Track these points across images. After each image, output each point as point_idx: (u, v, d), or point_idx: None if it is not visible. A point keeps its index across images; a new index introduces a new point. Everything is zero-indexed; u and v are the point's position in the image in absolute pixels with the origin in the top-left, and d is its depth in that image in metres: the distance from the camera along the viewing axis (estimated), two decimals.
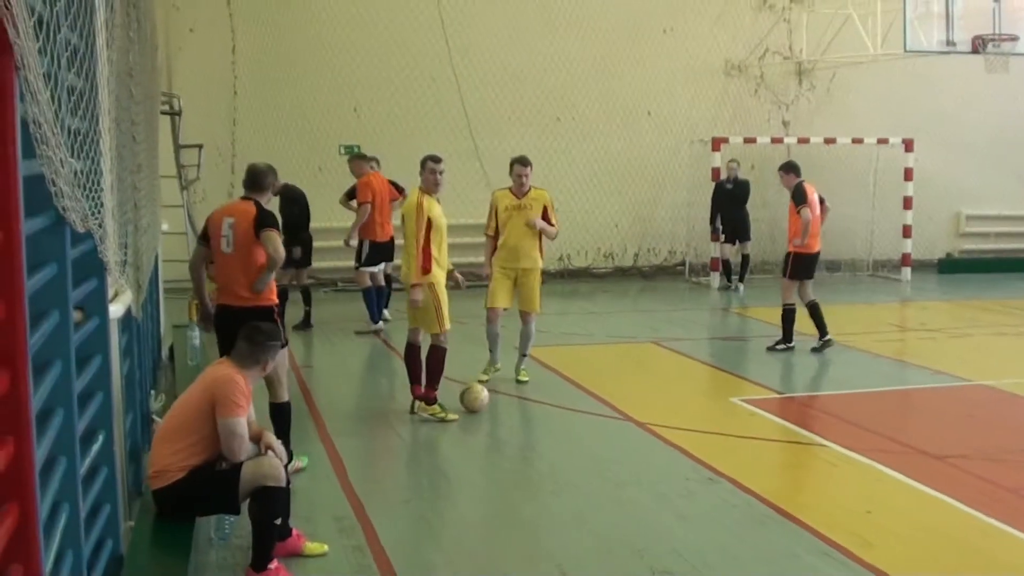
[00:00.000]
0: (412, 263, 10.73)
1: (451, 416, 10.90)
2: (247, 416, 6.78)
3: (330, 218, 17.45)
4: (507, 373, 12.66)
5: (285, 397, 9.04)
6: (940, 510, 8.29)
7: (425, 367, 11.03)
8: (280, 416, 8.98)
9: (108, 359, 5.79)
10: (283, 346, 8.63)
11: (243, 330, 7.18)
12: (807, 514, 8.06)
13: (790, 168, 14.72)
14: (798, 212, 14.26)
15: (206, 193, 18.72)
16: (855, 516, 8.13)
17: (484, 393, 11.32)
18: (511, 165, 12.43)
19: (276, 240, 8.73)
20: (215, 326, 9.09)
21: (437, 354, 10.99)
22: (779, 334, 14.62)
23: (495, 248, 12.40)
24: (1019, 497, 8.69)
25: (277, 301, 9.09)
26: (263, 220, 8.78)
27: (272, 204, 9.39)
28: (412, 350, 11.13)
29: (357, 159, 16.34)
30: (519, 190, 12.28)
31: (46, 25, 3.58)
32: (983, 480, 8.99)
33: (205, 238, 9.07)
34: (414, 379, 11.12)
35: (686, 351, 14.66)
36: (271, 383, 8.86)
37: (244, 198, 9.03)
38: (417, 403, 11.04)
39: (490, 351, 12.61)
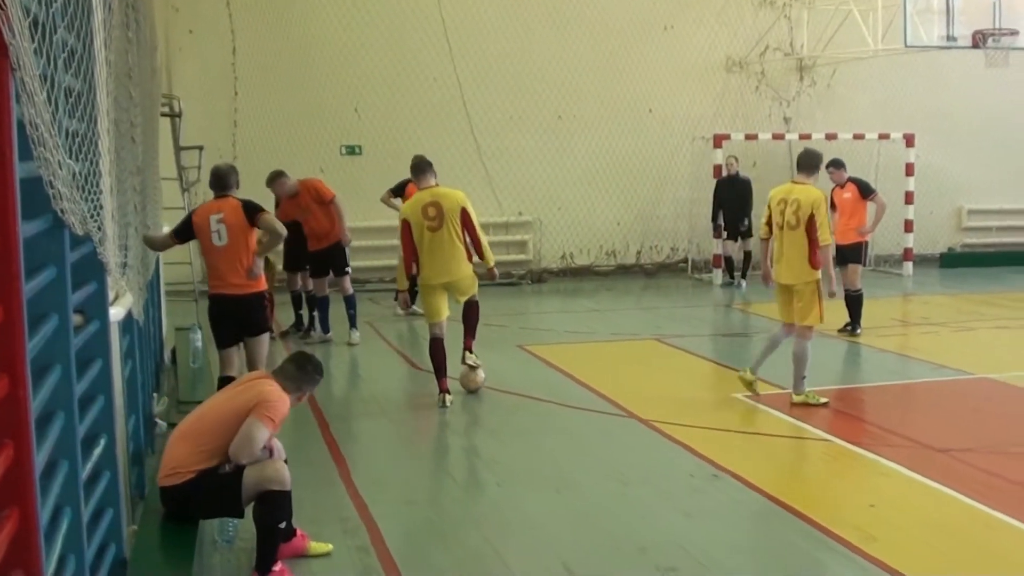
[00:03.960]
0: None
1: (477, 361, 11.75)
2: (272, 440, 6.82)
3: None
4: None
5: None
6: (944, 503, 8.27)
7: (465, 320, 11.67)
8: None
9: (109, 362, 5.78)
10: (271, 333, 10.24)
11: (294, 354, 7.31)
12: (811, 509, 8.05)
13: (841, 163, 15.32)
14: (870, 200, 15.12)
15: (207, 195, 18.71)
16: (859, 510, 8.11)
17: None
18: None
19: (274, 219, 9.75)
20: (211, 316, 9.86)
21: (475, 308, 11.68)
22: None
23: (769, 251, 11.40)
24: None
25: (266, 287, 9.96)
26: (253, 206, 9.69)
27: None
28: (437, 344, 11.47)
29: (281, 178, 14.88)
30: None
31: (42, 26, 3.57)
32: (987, 473, 8.96)
33: (184, 235, 9.86)
34: (441, 372, 11.45)
35: (689, 348, 14.65)
36: (252, 368, 9.56)
37: (221, 197, 9.86)
38: (465, 353, 11.67)
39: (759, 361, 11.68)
